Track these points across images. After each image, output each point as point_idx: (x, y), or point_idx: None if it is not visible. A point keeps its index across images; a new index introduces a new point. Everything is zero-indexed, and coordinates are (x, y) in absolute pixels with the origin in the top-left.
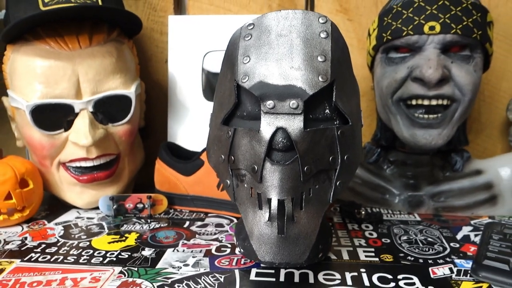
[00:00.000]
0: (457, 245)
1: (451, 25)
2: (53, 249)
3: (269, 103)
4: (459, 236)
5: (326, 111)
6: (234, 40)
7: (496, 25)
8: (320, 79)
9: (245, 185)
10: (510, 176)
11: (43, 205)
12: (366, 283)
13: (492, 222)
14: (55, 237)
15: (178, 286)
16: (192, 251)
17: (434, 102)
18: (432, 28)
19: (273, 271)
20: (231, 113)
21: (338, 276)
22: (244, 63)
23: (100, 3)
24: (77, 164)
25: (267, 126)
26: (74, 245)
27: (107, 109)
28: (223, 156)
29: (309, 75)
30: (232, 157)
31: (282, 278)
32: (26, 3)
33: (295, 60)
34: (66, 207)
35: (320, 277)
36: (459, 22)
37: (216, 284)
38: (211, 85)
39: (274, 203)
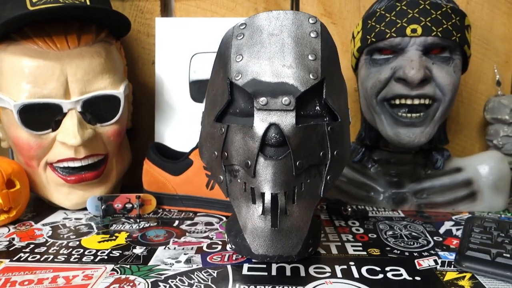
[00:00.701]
0: (440, 239)
1: (432, 28)
2: (42, 249)
3: (262, 100)
4: (441, 230)
5: (316, 108)
6: (227, 40)
7: (472, 29)
8: (311, 76)
9: (239, 180)
10: (488, 173)
11: (29, 206)
12: (356, 275)
13: (472, 217)
14: (44, 237)
15: (172, 281)
16: (183, 249)
17: (416, 102)
18: (414, 30)
19: (265, 265)
20: (223, 110)
21: (328, 269)
22: (237, 61)
23: (88, 3)
24: (65, 164)
25: (260, 122)
26: (63, 244)
27: (96, 109)
28: (216, 153)
29: (300, 73)
30: (226, 153)
31: (274, 272)
32: (13, 3)
33: (287, 58)
34: (53, 208)
35: (311, 270)
36: (439, 25)
37: (210, 279)
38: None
39: (268, 197)
